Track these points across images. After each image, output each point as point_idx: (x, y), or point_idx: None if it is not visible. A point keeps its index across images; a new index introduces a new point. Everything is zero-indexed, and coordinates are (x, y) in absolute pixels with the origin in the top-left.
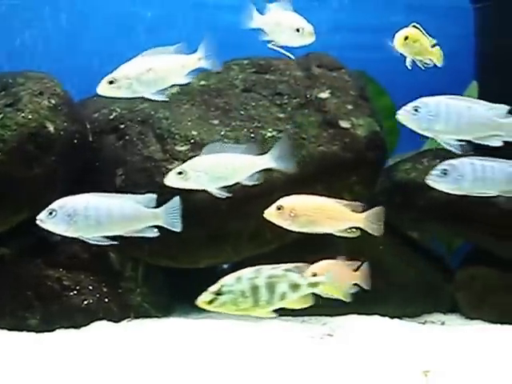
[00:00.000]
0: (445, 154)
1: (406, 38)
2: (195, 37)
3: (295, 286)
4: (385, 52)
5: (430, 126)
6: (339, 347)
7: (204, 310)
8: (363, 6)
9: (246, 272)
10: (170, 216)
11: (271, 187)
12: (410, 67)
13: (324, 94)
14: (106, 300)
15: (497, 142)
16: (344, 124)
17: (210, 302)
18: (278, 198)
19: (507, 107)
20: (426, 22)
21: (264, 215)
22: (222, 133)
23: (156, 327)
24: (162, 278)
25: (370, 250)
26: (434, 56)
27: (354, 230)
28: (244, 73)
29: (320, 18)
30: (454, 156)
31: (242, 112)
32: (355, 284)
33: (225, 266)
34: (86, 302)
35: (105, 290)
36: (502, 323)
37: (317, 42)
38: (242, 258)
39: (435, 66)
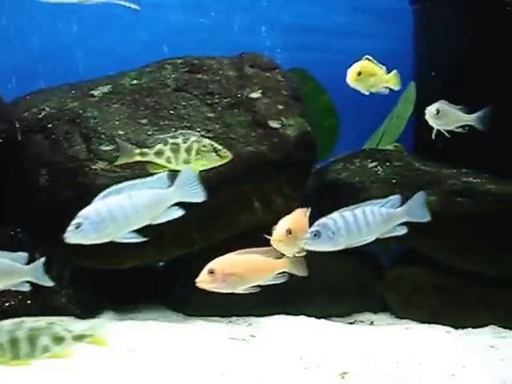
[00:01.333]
0: (379, 155)
1: (359, 74)
2: (136, 35)
3: (59, 339)
4: (327, 52)
5: (334, 245)
6: (258, 348)
7: (132, 311)
8: (308, 6)
9: (6, 324)
10: None
11: None
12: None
13: (255, 94)
14: (29, 301)
15: (402, 231)
16: (273, 124)
17: None
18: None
19: (399, 197)
20: (367, 22)
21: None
22: (150, 132)
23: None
24: (90, 279)
25: None
26: (391, 82)
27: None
28: (177, 72)
29: (265, 17)
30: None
31: (172, 111)
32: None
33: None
34: (7, 304)
35: (27, 291)
36: (429, 323)
37: (260, 42)
38: (169, 257)
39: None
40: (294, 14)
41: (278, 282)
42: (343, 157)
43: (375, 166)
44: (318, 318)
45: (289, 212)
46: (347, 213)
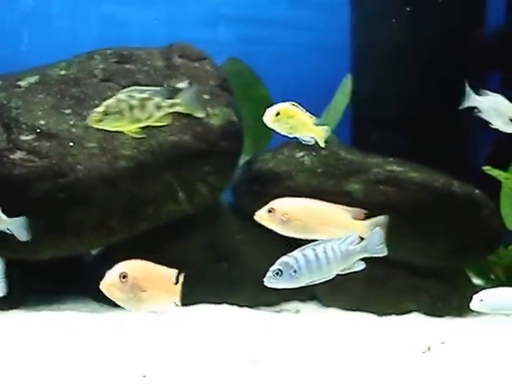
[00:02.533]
0: (307, 145)
1: (278, 114)
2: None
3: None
4: (267, 44)
5: (296, 283)
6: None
7: (53, 302)
8: None
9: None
10: None
11: (116, 175)
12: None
13: (182, 84)
14: None
15: (360, 266)
16: (198, 114)
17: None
18: (125, 188)
19: (356, 235)
20: (306, 15)
21: (255, 217)
22: (72, 122)
23: None
24: (15, 270)
25: (226, 240)
26: (317, 134)
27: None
28: (105, 63)
29: (204, 9)
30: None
31: (97, 101)
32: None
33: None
34: None
35: None
36: (354, 310)
37: (199, 34)
38: (90, 248)
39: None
40: (235, 6)
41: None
42: (275, 147)
43: (302, 156)
44: (240, 306)
45: None
46: (308, 251)
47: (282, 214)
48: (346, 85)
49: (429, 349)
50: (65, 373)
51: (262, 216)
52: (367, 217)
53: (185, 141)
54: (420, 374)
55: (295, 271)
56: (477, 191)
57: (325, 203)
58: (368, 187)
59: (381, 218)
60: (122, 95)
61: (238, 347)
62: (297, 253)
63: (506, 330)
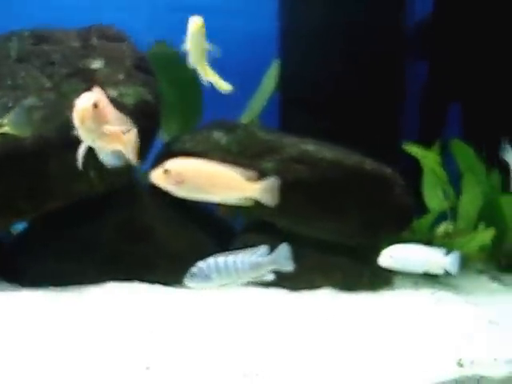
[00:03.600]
0: (226, 126)
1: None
2: None
3: None
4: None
5: (208, 285)
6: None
7: None
8: None
9: None
10: None
11: (23, 153)
12: None
13: (97, 64)
14: None
15: (269, 277)
16: (111, 92)
17: None
18: (28, 165)
19: (267, 247)
20: (236, 1)
21: (150, 177)
22: None
23: None
24: None
25: (141, 220)
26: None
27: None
28: (22, 43)
29: None
30: None
31: (10, 82)
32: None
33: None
34: None
35: None
36: (268, 286)
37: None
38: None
39: None
40: None
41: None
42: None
43: (220, 137)
44: (152, 283)
45: None
46: (221, 259)
47: (176, 174)
48: (273, 70)
49: (326, 319)
50: None
51: (157, 176)
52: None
53: None
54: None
55: (206, 275)
56: (388, 169)
57: (219, 165)
58: (280, 165)
59: (272, 180)
60: None
61: (133, 320)
62: (211, 260)
63: (405, 304)
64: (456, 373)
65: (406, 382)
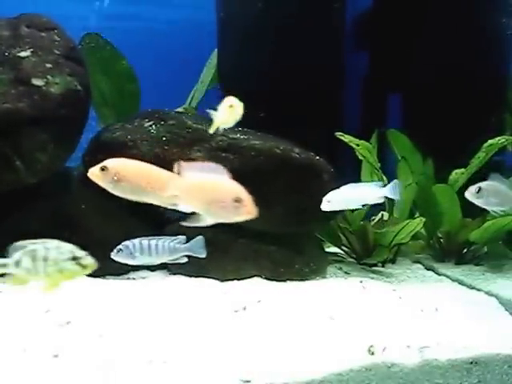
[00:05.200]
0: (156, 115)
1: None
2: None
3: None
4: (134, 20)
5: (133, 261)
6: None
7: None
8: None
9: None
10: None
11: None
12: None
13: (24, 53)
14: None
15: (183, 260)
16: (37, 82)
17: None
18: None
19: (184, 237)
20: None
21: (88, 174)
22: None
23: None
24: None
25: (72, 209)
26: None
27: None
28: None
29: None
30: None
31: None
32: None
33: None
34: None
35: None
36: (197, 276)
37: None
38: None
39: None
40: None
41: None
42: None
43: (150, 126)
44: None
45: None
46: (144, 241)
47: (114, 173)
48: (213, 59)
49: (244, 308)
50: None
51: (94, 173)
52: None
53: (20, 108)
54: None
55: (131, 253)
56: (317, 158)
57: (157, 168)
58: (210, 154)
59: None
60: None
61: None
62: (136, 240)
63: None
64: (366, 360)
65: (314, 369)
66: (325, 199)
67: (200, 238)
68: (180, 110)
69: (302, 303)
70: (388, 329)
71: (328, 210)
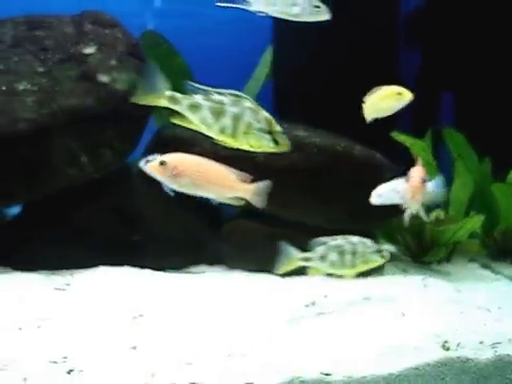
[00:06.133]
0: None
1: None
2: None
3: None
4: (189, 18)
5: None
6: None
7: None
8: None
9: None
10: None
11: (16, 138)
12: None
13: (89, 50)
14: None
15: None
16: (102, 78)
17: None
18: (22, 152)
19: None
20: None
21: (145, 167)
22: None
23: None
24: None
25: (133, 205)
26: None
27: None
28: (16, 29)
29: None
30: None
31: (2, 66)
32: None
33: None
34: None
35: None
36: (258, 272)
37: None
38: None
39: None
40: None
41: (234, 203)
42: None
43: None
44: (142, 267)
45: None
46: None
47: (172, 167)
48: (267, 56)
49: (313, 303)
50: None
51: (153, 167)
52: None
53: (88, 105)
54: None
55: None
56: (378, 154)
57: (215, 163)
58: None
59: (264, 183)
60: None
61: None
62: None
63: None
64: (441, 355)
65: (392, 363)
66: (374, 194)
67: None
68: None
69: (367, 299)
70: (458, 325)
71: (377, 203)
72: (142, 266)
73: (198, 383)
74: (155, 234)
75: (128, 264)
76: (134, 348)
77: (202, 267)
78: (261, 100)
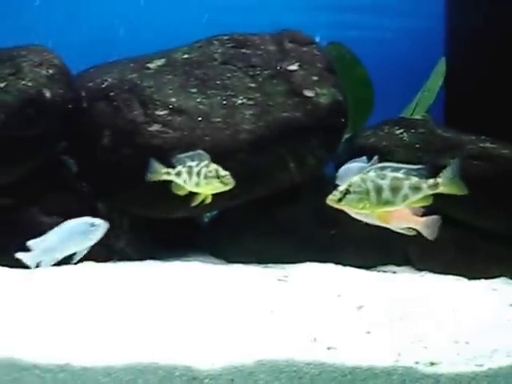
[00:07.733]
0: (405, 123)
1: None
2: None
3: (416, 189)
4: (365, 29)
5: None
6: (290, 287)
7: (181, 256)
8: None
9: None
10: None
11: (238, 147)
12: None
13: (293, 67)
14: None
15: None
16: (308, 93)
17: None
18: (243, 159)
19: None
20: (400, 1)
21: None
22: (198, 100)
23: (131, 269)
24: (146, 226)
25: (328, 208)
26: None
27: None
28: (223, 47)
29: None
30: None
31: (218, 82)
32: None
33: (208, 215)
34: None
35: None
36: (445, 273)
37: (302, 20)
38: (215, 208)
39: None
40: None
41: (407, 233)
42: (375, 124)
43: (401, 133)
44: (344, 265)
45: None
46: None
47: None
48: (441, 67)
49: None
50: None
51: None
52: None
53: (297, 117)
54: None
55: None
56: None
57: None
58: (462, 162)
59: (434, 218)
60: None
61: (348, 295)
62: None
63: None
64: None
65: None
66: None
67: None
68: (418, 117)
69: None
70: None
71: None
72: (343, 264)
73: None
74: (348, 235)
75: (328, 261)
76: (369, 333)
77: (390, 267)
78: (432, 110)
